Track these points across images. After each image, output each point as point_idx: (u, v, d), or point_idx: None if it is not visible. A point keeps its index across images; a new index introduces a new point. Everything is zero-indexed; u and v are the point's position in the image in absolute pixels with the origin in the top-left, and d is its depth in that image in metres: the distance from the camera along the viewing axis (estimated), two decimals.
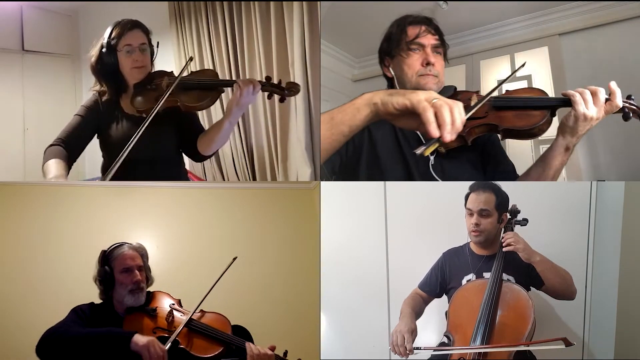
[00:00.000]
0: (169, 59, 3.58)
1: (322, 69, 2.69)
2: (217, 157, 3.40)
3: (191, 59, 1.76)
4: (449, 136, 1.05)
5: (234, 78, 3.09)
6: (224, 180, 3.36)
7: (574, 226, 1.97)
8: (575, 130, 1.39)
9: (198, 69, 3.36)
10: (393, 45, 1.65)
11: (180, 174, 1.91)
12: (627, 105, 1.40)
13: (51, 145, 1.64)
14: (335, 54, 3.44)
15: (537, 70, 2.86)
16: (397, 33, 1.65)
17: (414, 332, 1.58)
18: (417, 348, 1.52)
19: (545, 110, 1.42)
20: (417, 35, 1.61)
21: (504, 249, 1.58)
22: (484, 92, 1.49)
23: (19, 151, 4.13)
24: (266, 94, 1.70)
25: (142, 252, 1.66)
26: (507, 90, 1.53)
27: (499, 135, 1.48)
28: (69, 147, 1.65)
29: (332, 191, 2.12)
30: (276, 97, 1.71)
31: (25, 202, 2.55)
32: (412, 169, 1.59)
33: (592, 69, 2.61)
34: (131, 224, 2.55)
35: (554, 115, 1.44)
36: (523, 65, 1.60)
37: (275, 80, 1.71)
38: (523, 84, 2.87)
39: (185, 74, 1.70)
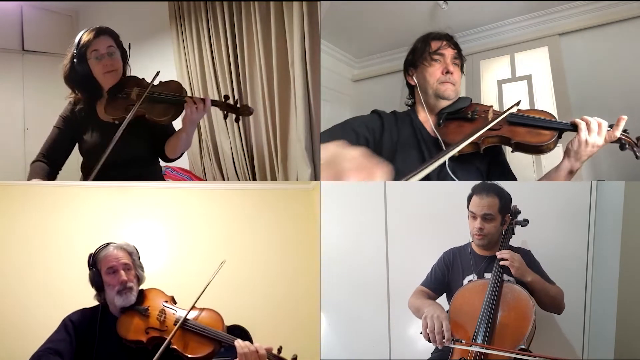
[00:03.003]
0: (169, 59, 3.58)
1: (322, 69, 2.68)
2: (217, 157, 3.40)
3: (158, 73, 1.83)
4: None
5: (234, 78, 3.10)
6: (223, 180, 3.36)
7: (574, 226, 1.97)
8: (578, 154, 1.54)
9: (198, 69, 3.37)
10: (417, 56, 1.82)
11: (155, 173, 2.00)
12: (623, 137, 1.54)
13: (34, 161, 1.79)
14: (335, 54, 3.44)
15: (537, 70, 2.86)
16: (422, 46, 1.83)
17: (449, 320, 1.49)
18: (457, 340, 1.40)
19: (554, 131, 1.58)
20: (439, 47, 1.79)
21: (500, 263, 1.59)
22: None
23: (19, 151, 4.13)
24: (223, 112, 1.83)
25: (130, 250, 1.64)
26: (519, 109, 1.67)
27: (509, 149, 1.63)
28: (51, 161, 1.81)
29: (332, 191, 2.12)
30: (232, 116, 1.83)
31: (25, 202, 2.55)
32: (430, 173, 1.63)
33: (592, 69, 2.61)
34: (131, 223, 2.55)
35: (560, 137, 1.60)
36: (518, 103, 1.74)
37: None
38: (523, 84, 2.88)
39: (155, 82, 1.80)
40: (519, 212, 1.72)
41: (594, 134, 1.51)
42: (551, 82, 2.78)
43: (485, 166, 1.74)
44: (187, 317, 1.55)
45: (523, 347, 1.44)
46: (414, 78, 1.84)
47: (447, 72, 1.76)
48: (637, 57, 2.43)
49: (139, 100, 1.70)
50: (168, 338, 1.46)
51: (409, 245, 2.09)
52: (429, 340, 1.44)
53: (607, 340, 1.92)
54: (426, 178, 1.61)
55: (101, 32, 1.77)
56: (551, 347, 1.90)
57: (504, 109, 1.66)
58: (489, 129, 1.60)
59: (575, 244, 1.96)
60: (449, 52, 1.79)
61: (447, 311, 1.63)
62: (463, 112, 1.71)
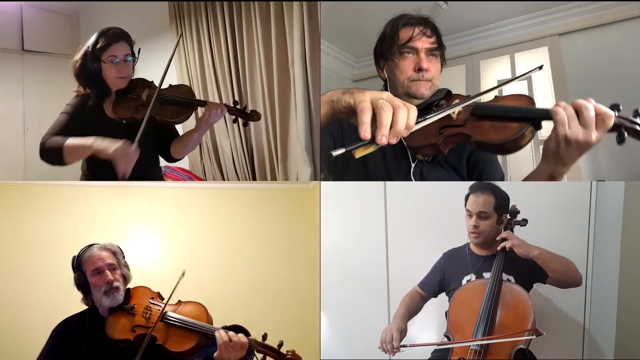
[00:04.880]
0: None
1: (322, 69, 2.69)
2: (217, 156, 3.40)
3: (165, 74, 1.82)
4: (384, 139, 1.00)
5: (234, 78, 3.11)
6: (223, 180, 3.36)
7: (574, 226, 1.97)
8: (559, 156, 1.16)
9: (198, 68, 3.37)
10: (386, 48, 1.59)
11: (155, 173, 2.01)
12: (622, 122, 1.14)
13: (47, 139, 1.67)
14: (335, 54, 3.44)
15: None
16: (390, 35, 1.57)
17: (402, 332, 1.63)
18: (403, 346, 1.58)
19: (524, 122, 1.22)
20: (410, 38, 1.52)
21: (498, 247, 1.59)
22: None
23: (19, 151, 4.14)
24: (232, 117, 1.86)
25: (114, 250, 1.63)
26: (495, 97, 1.38)
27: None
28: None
29: (332, 191, 2.12)
30: (240, 120, 1.87)
31: (25, 202, 2.55)
32: (391, 173, 1.57)
33: (592, 69, 2.61)
34: (131, 223, 2.55)
35: (539, 128, 1.24)
36: (541, 67, 1.51)
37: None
38: (523, 84, 2.87)
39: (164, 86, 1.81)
40: (518, 212, 1.72)
41: (576, 124, 1.11)
42: (551, 82, 2.78)
43: (463, 164, 1.57)
44: (170, 312, 1.54)
45: (522, 347, 1.44)
46: (384, 71, 1.61)
47: (420, 69, 1.50)
48: (637, 57, 2.43)
49: (151, 101, 1.71)
50: (149, 332, 1.46)
51: (409, 245, 2.09)
52: (383, 350, 1.62)
53: (607, 340, 1.92)
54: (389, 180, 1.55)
55: (121, 37, 1.77)
56: (551, 347, 1.90)
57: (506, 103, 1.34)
58: (453, 126, 1.31)
59: (575, 244, 1.96)
60: (423, 43, 1.51)
61: (447, 312, 1.64)
62: (430, 108, 1.45)
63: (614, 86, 2.47)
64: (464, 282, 1.69)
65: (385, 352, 1.60)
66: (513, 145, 1.23)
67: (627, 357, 1.90)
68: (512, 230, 1.71)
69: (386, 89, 1.65)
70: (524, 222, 1.71)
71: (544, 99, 2.80)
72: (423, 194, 2.07)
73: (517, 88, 2.90)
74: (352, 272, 2.15)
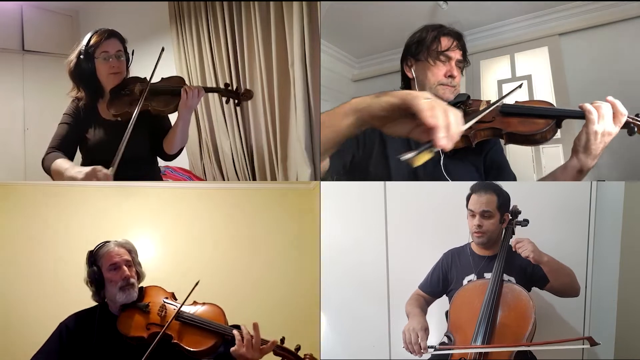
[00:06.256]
0: (169, 60, 3.58)
1: (322, 69, 2.69)
2: (217, 157, 3.40)
3: (163, 49, 1.88)
4: (444, 141, 0.88)
5: (234, 78, 3.11)
6: (223, 180, 3.36)
7: (574, 226, 1.97)
8: (588, 149, 1.39)
9: (198, 68, 3.37)
10: (422, 50, 1.70)
11: (154, 173, 2.03)
12: (632, 119, 1.41)
13: (47, 154, 1.78)
14: (335, 54, 3.44)
15: (537, 70, 2.86)
16: (430, 40, 1.70)
17: (427, 330, 1.58)
18: (432, 347, 1.52)
19: (550, 119, 1.47)
20: (449, 47, 1.68)
21: (517, 247, 1.61)
22: (483, 95, 1.53)
23: (19, 151, 4.13)
24: (224, 98, 1.92)
25: (129, 248, 1.65)
26: (516, 101, 1.59)
27: (502, 142, 1.57)
28: (63, 153, 1.79)
29: (332, 191, 2.12)
30: (232, 101, 1.92)
31: (25, 202, 2.55)
32: (418, 170, 1.60)
33: (592, 69, 2.61)
34: (131, 223, 2.55)
35: (560, 126, 1.49)
36: (520, 86, 1.76)
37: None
38: (523, 84, 2.87)
39: (155, 80, 1.84)
40: (519, 212, 1.72)
41: (605, 121, 1.35)
42: (551, 82, 2.78)
43: (481, 162, 1.70)
44: (188, 312, 1.56)
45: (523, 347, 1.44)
46: (413, 71, 1.73)
47: (450, 76, 1.67)
48: (637, 57, 2.43)
49: (143, 93, 1.74)
50: (163, 329, 1.47)
51: (409, 245, 2.09)
52: (410, 352, 1.55)
53: (607, 340, 1.92)
54: (414, 175, 1.62)
55: (112, 35, 1.82)
56: (551, 347, 1.90)
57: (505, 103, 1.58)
58: (481, 122, 1.52)
59: (575, 244, 1.96)
60: (456, 54, 1.69)
61: (447, 312, 1.64)
62: (457, 107, 1.60)
63: (614, 86, 2.47)
64: (465, 282, 1.69)
65: (412, 353, 1.55)
66: (541, 138, 1.48)
67: (627, 357, 1.90)
68: (513, 231, 1.71)
69: (407, 87, 1.77)
70: (525, 223, 1.71)
71: (544, 99, 2.79)
72: (423, 194, 2.07)
73: (522, 92, 2.90)
74: (352, 272, 2.15)
